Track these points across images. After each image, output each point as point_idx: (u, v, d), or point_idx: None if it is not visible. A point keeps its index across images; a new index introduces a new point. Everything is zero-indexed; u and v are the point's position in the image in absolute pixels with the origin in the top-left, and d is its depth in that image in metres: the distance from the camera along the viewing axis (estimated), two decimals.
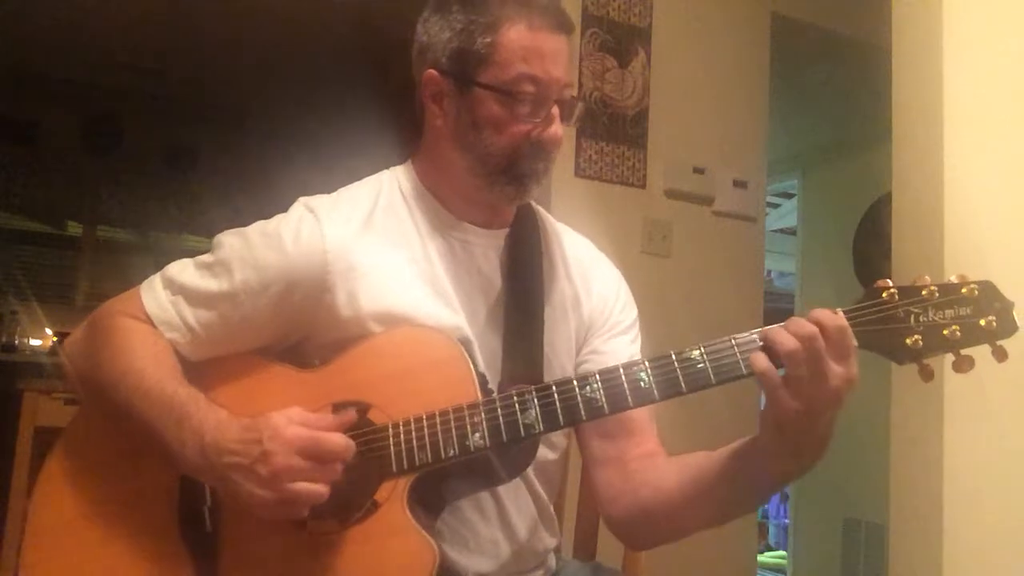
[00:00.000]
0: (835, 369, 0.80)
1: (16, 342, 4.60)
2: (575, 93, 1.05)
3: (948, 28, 1.50)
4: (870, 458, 1.68)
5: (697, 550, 2.47)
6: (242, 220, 1.05)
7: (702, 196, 2.48)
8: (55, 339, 4.55)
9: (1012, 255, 1.42)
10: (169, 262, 1.05)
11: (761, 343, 0.84)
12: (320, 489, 0.86)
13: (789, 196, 4.69)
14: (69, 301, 5.10)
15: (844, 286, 3.55)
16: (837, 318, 0.83)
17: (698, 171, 2.47)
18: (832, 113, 3.53)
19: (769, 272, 6.01)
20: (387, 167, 1.13)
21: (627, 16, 2.41)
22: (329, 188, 1.09)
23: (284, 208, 1.06)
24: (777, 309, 4.91)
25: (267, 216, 1.05)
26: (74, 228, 5.28)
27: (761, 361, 0.82)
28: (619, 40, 2.39)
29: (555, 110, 1.01)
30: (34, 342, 4.72)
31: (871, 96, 1.95)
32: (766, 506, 5.35)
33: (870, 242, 3.46)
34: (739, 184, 2.54)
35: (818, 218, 4.00)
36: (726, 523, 0.97)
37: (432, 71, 1.03)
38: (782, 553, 4.58)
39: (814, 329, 0.80)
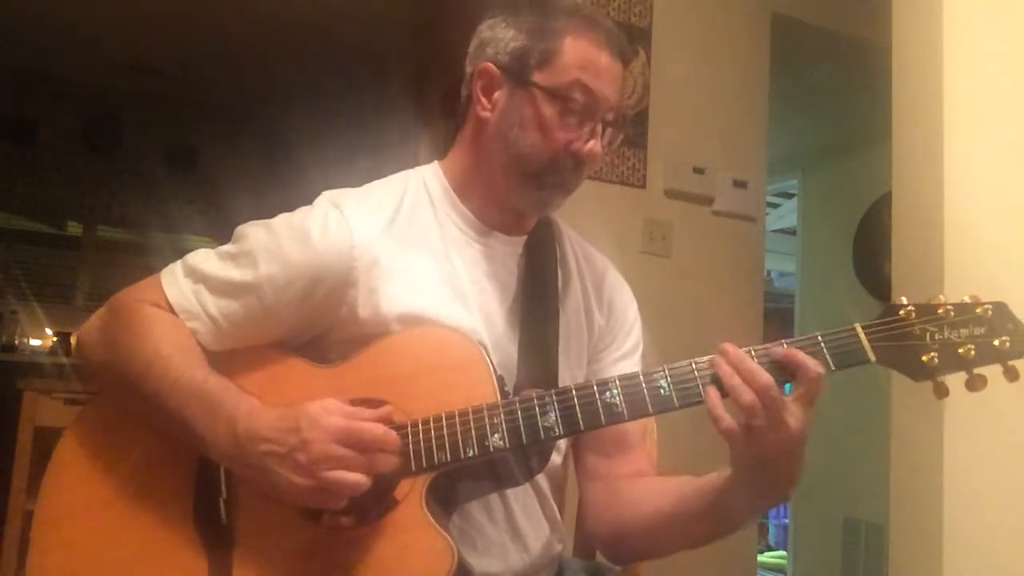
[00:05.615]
0: (796, 414, 0.82)
1: (16, 342, 4.61)
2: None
3: (948, 28, 1.50)
4: (870, 458, 1.68)
5: (697, 550, 2.47)
6: (242, 220, 1.04)
7: (702, 196, 2.48)
8: (55, 339, 4.56)
9: (1012, 255, 1.42)
10: (169, 262, 1.04)
11: (716, 384, 0.85)
12: (359, 478, 0.86)
13: (789, 196, 4.69)
14: (69, 301, 5.10)
15: (844, 286, 3.55)
16: (816, 367, 0.83)
17: (698, 171, 2.47)
18: (832, 113, 3.53)
19: (769, 272, 6.01)
20: (389, 166, 1.13)
21: (627, 16, 2.41)
22: (330, 187, 1.09)
23: (285, 207, 1.05)
24: (777, 309, 4.90)
25: (268, 215, 1.04)
26: (74, 228, 5.28)
27: (715, 400, 0.84)
28: None
29: (599, 128, 1.01)
30: (34, 342, 4.72)
31: (871, 96, 1.95)
32: None
33: (870, 242, 3.46)
34: (739, 184, 2.53)
35: (818, 218, 4.00)
36: (699, 547, 0.98)
37: (489, 64, 1.04)
38: (782, 553, 4.58)
39: (769, 380, 0.82)
